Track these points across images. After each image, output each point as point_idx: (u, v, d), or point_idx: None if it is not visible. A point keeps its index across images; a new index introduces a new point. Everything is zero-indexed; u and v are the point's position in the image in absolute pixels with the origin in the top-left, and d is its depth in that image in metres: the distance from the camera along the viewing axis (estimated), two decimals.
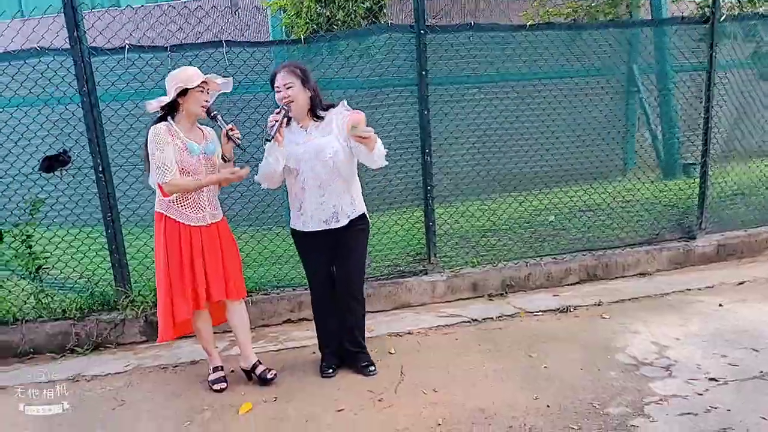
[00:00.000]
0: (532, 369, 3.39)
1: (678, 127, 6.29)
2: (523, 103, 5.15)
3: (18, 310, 4.14)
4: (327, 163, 3.17)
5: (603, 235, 5.26)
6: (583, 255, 4.98)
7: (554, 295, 4.61)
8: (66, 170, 4.25)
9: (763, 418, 2.76)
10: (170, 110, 3.15)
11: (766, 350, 3.42)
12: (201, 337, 3.44)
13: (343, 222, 3.27)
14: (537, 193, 5.40)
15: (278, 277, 4.52)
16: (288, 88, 3.13)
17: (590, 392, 3.09)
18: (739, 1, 7.32)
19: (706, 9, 6.90)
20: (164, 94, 3.11)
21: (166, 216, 3.18)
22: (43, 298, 4.20)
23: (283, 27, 5.73)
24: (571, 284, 4.86)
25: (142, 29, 4.25)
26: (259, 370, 3.41)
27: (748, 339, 3.59)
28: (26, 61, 3.98)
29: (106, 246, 4.18)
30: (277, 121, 3.04)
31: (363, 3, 5.39)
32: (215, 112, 3.15)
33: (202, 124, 3.31)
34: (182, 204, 3.18)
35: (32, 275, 4.21)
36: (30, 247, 4.18)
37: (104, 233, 4.16)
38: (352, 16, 5.37)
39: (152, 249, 4.40)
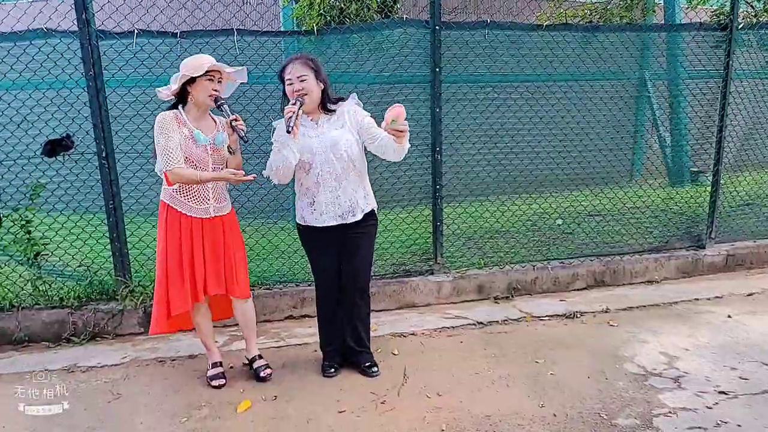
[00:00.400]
0: (538, 375, 3.32)
1: (688, 133, 6.21)
2: (537, 105, 5.08)
3: (14, 297, 4.06)
4: (342, 157, 3.12)
5: (611, 240, 5.19)
6: (591, 260, 4.91)
7: (561, 300, 4.54)
8: (68, 155, 4.17)
9: None
10: (181, 98, 3.10)
11: None
12: (200, 331, 3.37)
13: (358, 216, 3.21)
14: (547, 195, 5.32)
15: (281, 272, 4.44)
16: (302, 80, 3.05)
17: (598, 402, 3.02)
18: (754, 9, 7.26)
19: (720, 16, 6.89)
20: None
21: (168, 205, 3.12)
22: (41, 285, 4.13)
23: (295, 18, 5.65)
24: (578, 289, 4.79)
25: (152, 14, 4.16)
26: (257, 364, 3.38)
27: (758, 352, 3.53)
28: (32, 42, 3.90)
29: (107, 234, 4.10)
30: (294, 112, 2.96)
31: None
32: (222, 102, 3.04)
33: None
34: (186, 195, 3.11)
35: (30, 261, 4.14)
36: (29, 232, 4.11)
37: (105, 221, 4.08)
38: (365, 9, 5.28)
39: (154, 239, 4.33)
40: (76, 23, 3.81)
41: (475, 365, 3.47)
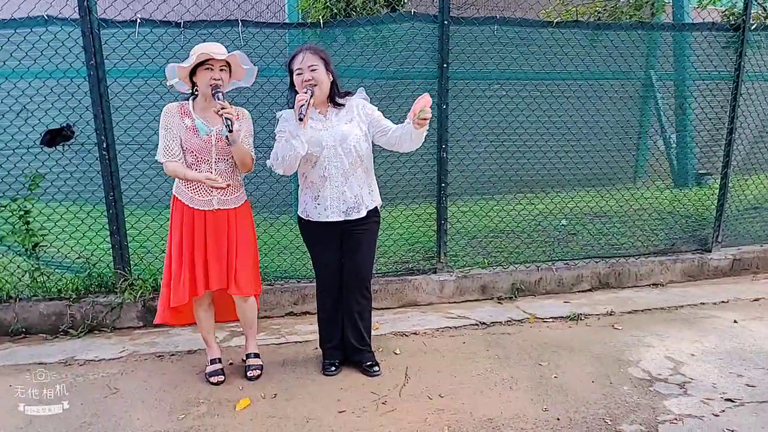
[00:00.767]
0: (542, 379, 3.26)
1: (698, 135, 6.13)
2: (545, 103, 5.00)
3: (12, 288, 4.01)
4: (350, 152, 3.07)
5: (617, 242, 5.13)
6: (596, 262, 4.85)
7: (565, 302, 4.49)
8: (68, 145, 4.11)
9: None
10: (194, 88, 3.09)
11: None
12: (201, 326, 3.32)
13: (362, 213, 3.16)
14: (553, 196, 5.26)
15: (282, 268, 4.39)
16: (312, 70, 2.99)
17: (602, 407, 2.97)
18: (766, 11, 7.16)
19: (731, 17, 6.80)
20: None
21: (175, 196, 3.13)
22: (39, 276, 4.08)
23: (300, 11, 5.58)
24: (583, 291, 4.74)
25: (155, 3, 4.09)
26: (249, 362, 3.35)
27: (765, 359, 3.47)
28: (32, 30, 3.83)
29: (107, 226, 4.04)
30: (305, 101, 2.89)
31: None
32: (216, 91, 2.93)
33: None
34: (189, 186, 3.09)
35: (28, 252, 4.08)
36: (27, 223, 4.04)
37: (105, 213, 4.03)
38: (372, 2, 5.19)
39: (154, 232, 4.31)
40: (77, 11, 3.74)
41: (478, 367, 3.41)
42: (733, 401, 3.01)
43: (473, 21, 4.34)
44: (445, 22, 4.17)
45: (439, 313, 4.29)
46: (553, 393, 3.11)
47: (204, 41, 3.25)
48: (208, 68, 2.95)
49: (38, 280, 4.06)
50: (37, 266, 4.09)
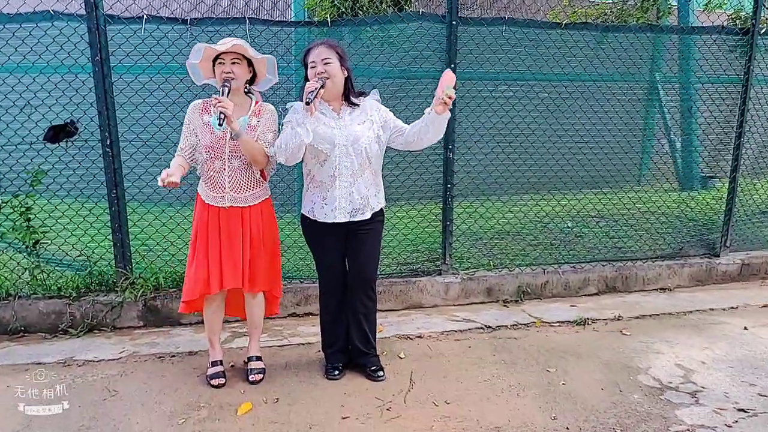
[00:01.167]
0: (549, 386, 3.20)
1: (706, 138, 6.08)
2: (553, 104, 4.95)
3: (11, 285, 3.96)
4: (361, 153, 3.02)
5: (623, 245, 5.07)
6: (603, 265, 4.79)
7: (572, 306, 4.43)
8: (72, 142, 4.06)
9: None
10: None
11: None
12: (207, 326, 3.27)
13: (367, 215, 3.11)
14: (560, 197, 5.20)
15: (285, 268, 4.32)
16: (326, 63, 2.93)
17: (612, 416, 2.90)
18: None
19: (737, 20, 6.74)
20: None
21: (198, 192, 3.14)
22: (39, 274, 4.02)
23: (306, 9, 5.53)
24: (589, 295, 4.69)
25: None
26: (251, 366, 3.30)
27: None
28: (38, 25, 3.78)
29: (109, 224, 3.99)
30: (315, 88, 2.83)
31: None
32: (224, 84, 2.90)
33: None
34: (205, 181, 3.09)
35: (29, 249, 4.02)
36: (28, 220, 3.99)
37: (107, 210, 3.97)
38: (379, 1, 5.14)
39: (156, 230, 4.27)
40: (83, 7, 3.70)
41: (484, 372, 3.35)
42: (746, 411, 2.95)
43: (481, 21, 4.30)
44: (454, 22, 4.11)
45: (443, 315, 4.23)
46: (562, 401, 3.05)
47: (210, 39, 3.21)
48: (220, 63, 2.96)
49: (38, 278, 4.00)
50: (37, 264, 4.04)
